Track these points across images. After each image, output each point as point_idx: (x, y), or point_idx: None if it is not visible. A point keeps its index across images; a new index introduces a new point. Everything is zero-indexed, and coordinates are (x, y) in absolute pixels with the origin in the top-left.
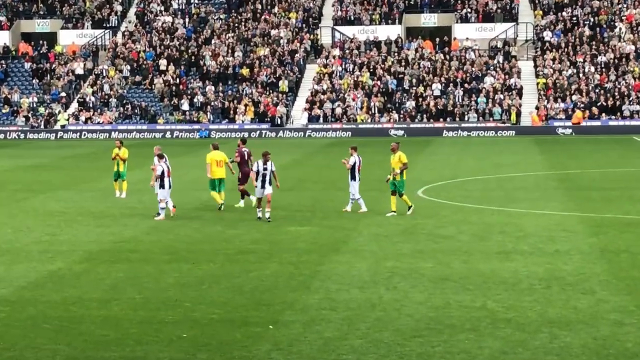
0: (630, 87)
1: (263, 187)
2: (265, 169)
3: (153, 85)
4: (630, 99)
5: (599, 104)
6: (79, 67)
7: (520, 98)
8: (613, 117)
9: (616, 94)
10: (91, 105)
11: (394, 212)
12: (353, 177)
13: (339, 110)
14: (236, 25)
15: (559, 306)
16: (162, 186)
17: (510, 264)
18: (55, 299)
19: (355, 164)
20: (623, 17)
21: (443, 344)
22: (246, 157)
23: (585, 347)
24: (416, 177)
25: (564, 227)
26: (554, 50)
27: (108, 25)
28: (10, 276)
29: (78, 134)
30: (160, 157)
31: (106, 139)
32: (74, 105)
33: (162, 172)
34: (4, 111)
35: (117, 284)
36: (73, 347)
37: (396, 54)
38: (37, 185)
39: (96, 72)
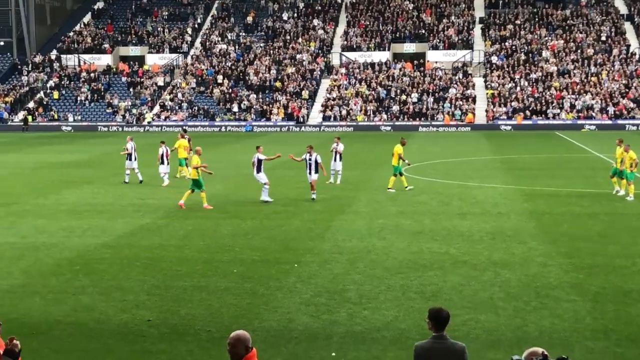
0: (552, 96)
1: (309, 174)
2: (310, 160)
3: (213, 94)
4: (553, 104)
5: (530, 108)
6: (160, 81)
7: (474, 103)
8: (540, 118)
9: (543, 101)
10: (169, 107)
11: (391, 189)
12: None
13: (344, 112)
14: (272, 51)
15: (501, 252)
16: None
17: (466, 222)
18: (144, 244)
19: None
20: (548, 46)
21: (418, 279)
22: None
23: (519, 281)
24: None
25: (505, 196)
26: (498, 69)
27: (181, 51)
28: (112, 228)
29: (160, 127)
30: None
31: (181, 128)
32: (157, 108)
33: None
34: (107, 111)
35: (187, 234)
36: (156, 279)
37: (385, 72)
38: None
39: (172, 84)
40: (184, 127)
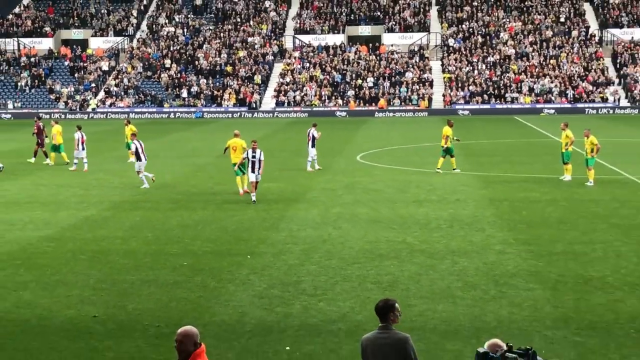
0: (511, 80)
1: (253, 172)
2: (253, 157)
3: (160, 79)
4: (511, 88)
5: (488, 92)
6: (105, 65)
7: (432, 88)
8: (499, 102)
9: (501, 85)
10: (114, 93)
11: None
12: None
13: (298, 97)
14: (222, 33)
15: (459, 240)
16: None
17: (423, 210)
18: (89, 237)
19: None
20: (506, 28)
21: (375, 268)
22: (41, 128)
23: (477, 270)
24: (356, 147)
25: (463, 182)
26: (456, 52)
27: (126, 34)
28: (55, 220)
29: (104, 115)
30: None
31: (125, 119)
32: (102, 94)
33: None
34: (49, 97)
35: (135, 225)
36: (102, 272)
37: (340, 55)
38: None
39: (118, 69)
40: (128, 119)
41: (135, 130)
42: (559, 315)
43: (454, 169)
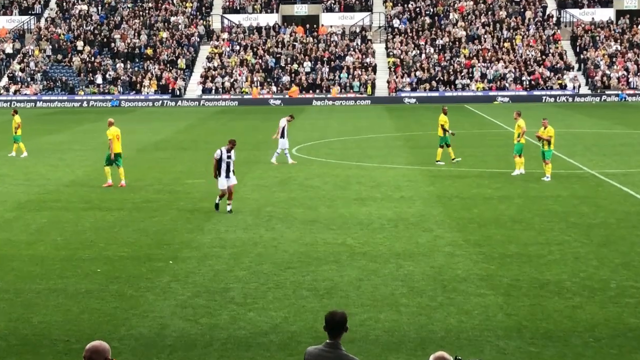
0: (462, 64)
1: (227, 176)
2: (229, 157)
3: (72, 63)
4: (462, 74)
5: (437, 78)
6: (8, 47)
7: (375, 73)
8: (448, 89)
9: (451, 70)
10: (19, 79)
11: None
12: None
13: (227, 84)
14: (141, 12)
15: (404, 241)
16: None
17: (366, 208)
18: None
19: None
20: (456, 8)
21: (311, 274)
22: None
23: (424, 274)
24: (291, 139)
25: (408, 178)
26: (401, 34)
27: (33, 12)
28: None
29: (8, 103)
30: None
31: (32, 108)
32: (5, 80)
33: None
34: None
35: (42, 228)
36: (5, 281)
37: (274, 37)
38: None
39: (23, 52)
40: (15, 109)
41: (19, 122)
42: (512, 323)
43: (453, 159)
